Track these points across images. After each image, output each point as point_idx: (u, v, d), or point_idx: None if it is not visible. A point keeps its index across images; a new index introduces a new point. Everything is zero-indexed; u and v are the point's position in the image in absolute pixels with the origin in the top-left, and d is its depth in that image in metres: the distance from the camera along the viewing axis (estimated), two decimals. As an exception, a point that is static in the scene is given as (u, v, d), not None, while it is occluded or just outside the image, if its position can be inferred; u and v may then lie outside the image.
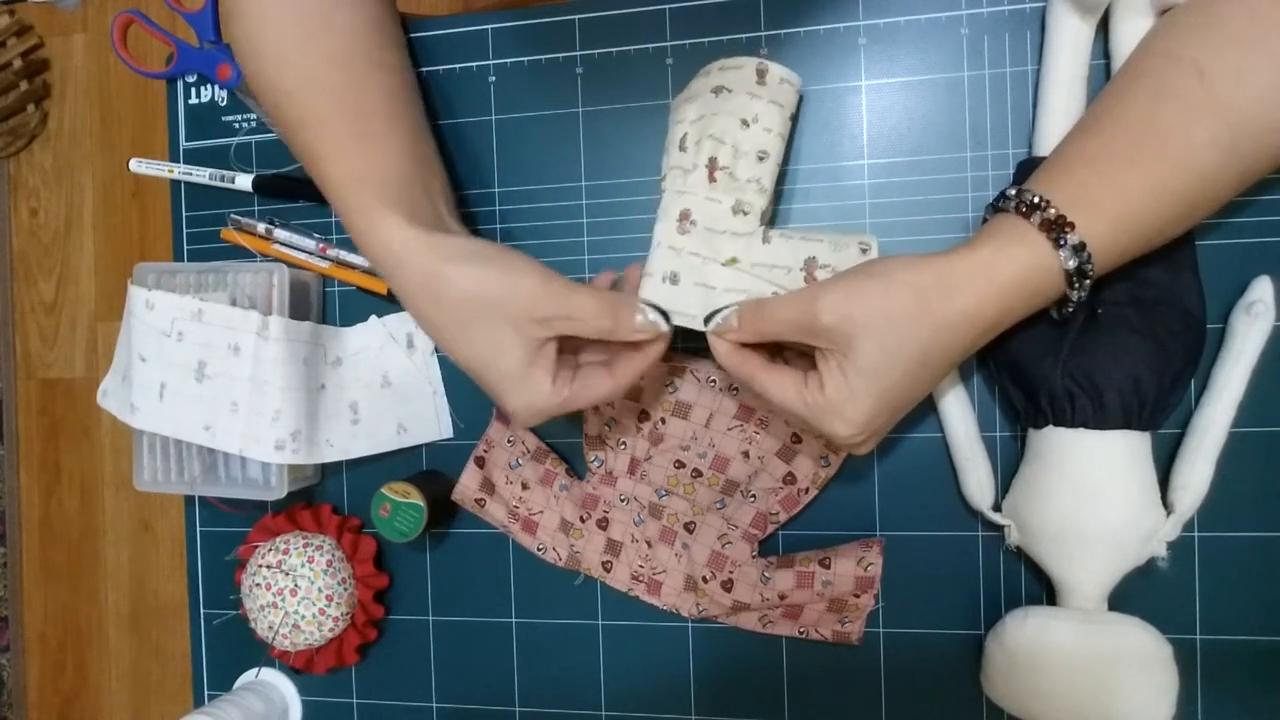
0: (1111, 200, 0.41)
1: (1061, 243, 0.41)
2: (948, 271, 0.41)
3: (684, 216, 0.49)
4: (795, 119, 0.52)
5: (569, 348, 0.49)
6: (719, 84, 0.50)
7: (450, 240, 0.46)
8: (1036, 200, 0.41)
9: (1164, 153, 0.41)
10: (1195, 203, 0.42)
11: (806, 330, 0.43)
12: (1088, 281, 0.42)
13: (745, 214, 0.49)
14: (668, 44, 0.57)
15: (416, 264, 0.45)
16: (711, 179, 0.49)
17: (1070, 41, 0.49)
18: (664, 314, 0.47)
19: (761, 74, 0.50)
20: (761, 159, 0.49)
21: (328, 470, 0.63)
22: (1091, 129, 0.44)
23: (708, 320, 0.47)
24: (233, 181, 0.62)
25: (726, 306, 0.46)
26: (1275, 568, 0.50)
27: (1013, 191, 0.43)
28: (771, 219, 0.54)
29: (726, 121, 0.49)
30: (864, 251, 0.48)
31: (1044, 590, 0.53)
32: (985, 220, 0.46)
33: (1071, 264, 0.41)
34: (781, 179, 0.55)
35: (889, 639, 0.55)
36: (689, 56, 0.56)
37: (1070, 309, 0.44)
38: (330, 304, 0.62)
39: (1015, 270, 0.41)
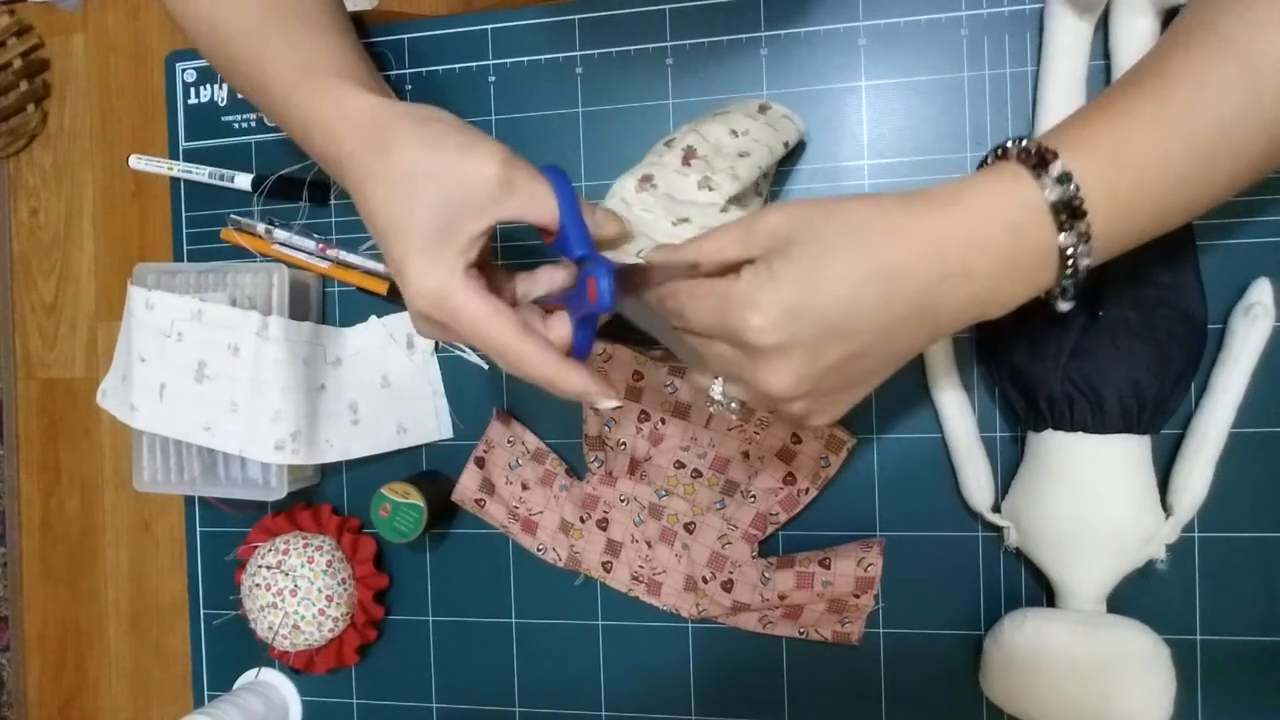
0: (1109, 137, 0.36)
1: (1042, 172, 0.35)
2: (916, 193, 0.37)
3: (647, 179, 0.47)
4: (788, 148, 0.50)
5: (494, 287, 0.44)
6: (720, 110, 0.51)
7: (418, 107, 0.42)
8: (1016, 140, 0.37)
9: (1171, 93, 0.36)
10: (1214, 155, 0.36)
11: (745, 238, 0.37)
12: (1081, 225, 0.36)
13: (710, 190, 0.46)
14: (668, 44, 0.56)
15: (366, 117, 0.41)
16: (686, 163, 0.48)
17: (1069, 42, 0.49)
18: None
19: (764, 108, 0.51)
20: (742, 156, 0.48)
21: (327, 470, 0.63)
22: (1095, 100, 0.40)
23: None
24: (232, 181, 0.62)
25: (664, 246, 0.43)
26: (1275, 568, 0.50)
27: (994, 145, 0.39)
28: None
29: (716, 128, 0.49)
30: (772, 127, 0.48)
31: (1043, 591, 0.53)
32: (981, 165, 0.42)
33: (1053, 195, 0.35)
34: (777, 180, 0.55)
35: (889, 639, 0.55)
36: (689, 56, 0.56)
37: (1070, 280, 0.37)
38: (330, 304, 0.62)
39: (990, 197, 0.36)
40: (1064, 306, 0.38)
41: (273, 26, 0.46)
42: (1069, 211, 0.35)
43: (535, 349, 0.40)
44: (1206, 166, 0.37)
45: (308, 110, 0.44)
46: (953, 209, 0.36)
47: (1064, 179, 0.35)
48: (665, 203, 0.47)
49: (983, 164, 0.40)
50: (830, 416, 0.40)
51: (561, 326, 0.43)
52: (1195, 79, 0.36)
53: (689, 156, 0.47)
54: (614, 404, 0.42)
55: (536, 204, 0.41)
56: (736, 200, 0.48)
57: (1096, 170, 0.36)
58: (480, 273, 0.41)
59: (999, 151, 0.38)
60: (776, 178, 0.55)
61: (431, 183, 0.39)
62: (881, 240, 0.35)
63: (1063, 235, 0.36)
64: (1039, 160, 0.36)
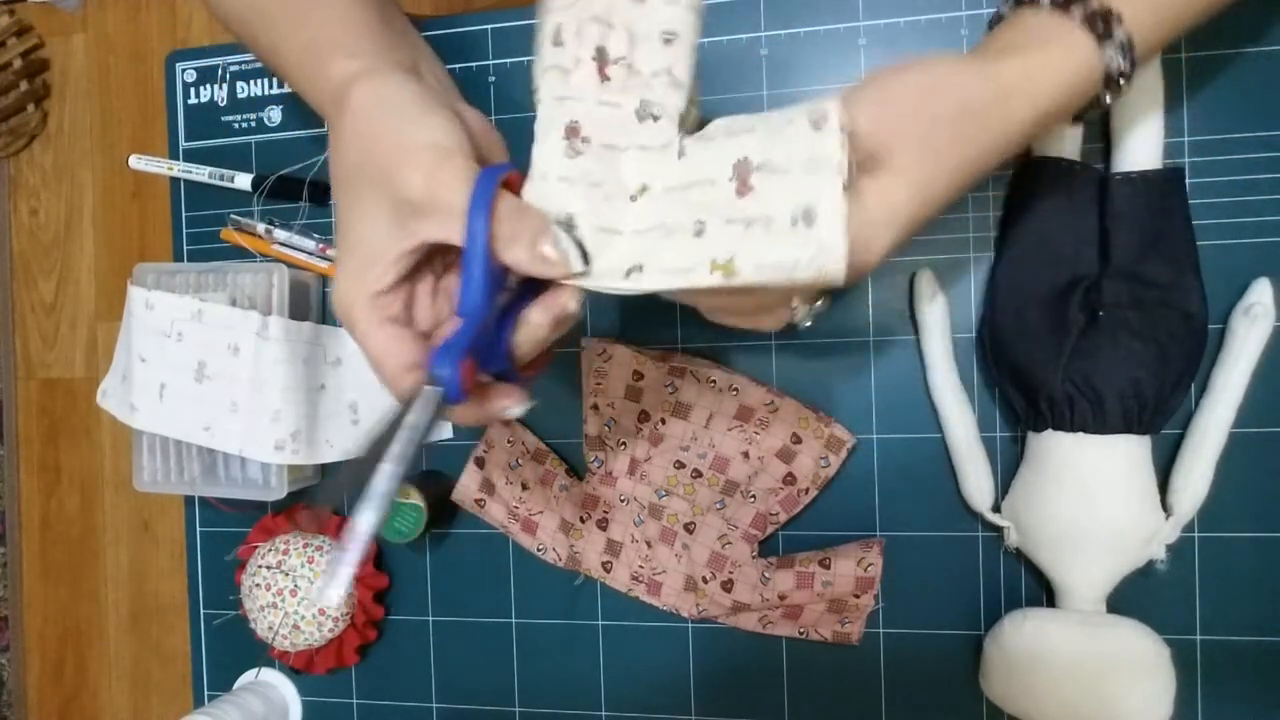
0: None
1: (1108, 38, 0.35)
2: (996, 78, 0.36)
3: (572, 132, 0.36)
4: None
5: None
6: None
7: (382, 74, 0.39)
8: None
9: None
10: None
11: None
12: (1123, 85, 0.37)
13: (655, 119, 0.36)
14: (668, 44, 0.56)
15: (336, 94, 0.38)
16: (603, 76, 0.36)
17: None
18: (583, 252, 0.36)
19: None
20: (669, 41, 0.36)
21: (327, 470, 0.63)
22: None
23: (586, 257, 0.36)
24: (232, 181, 0.62)
25: (569, 226, 0.35)
26: (1275, 568, 0.50)
27: None
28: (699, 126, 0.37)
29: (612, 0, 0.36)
30: (816, 126, 0.33)
31: (1043, 591, 0.53)
32: (1001, 16, 0.41)
33: (1116, 64, 0.36)
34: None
35: (889, 639, 0.55)
36: (689, 57, 0.56)
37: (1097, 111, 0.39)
38: (330, 304, 0.62)
39: (1059, 83, 0.36)
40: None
41: (279, 8, 0.44)
42: (1121, 77, 0.37)
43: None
44: None
45: (310, 92, 0.43)
46: (1029, 112, 0.36)
47: (1126, 46, 0.36)
48: (606, 161, 0.36)
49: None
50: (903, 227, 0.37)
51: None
52: None
53: (603, 64, 0.36)
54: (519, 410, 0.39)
55: (455, 229, 0.35)
56: (683, 121, 0.36)
57: (1144, 16, 0.36)
58: (410, 279, 0.38)
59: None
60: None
61: (362, 192, 0.37)
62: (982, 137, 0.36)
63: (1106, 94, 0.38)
64: (1103, 21, 0.35)
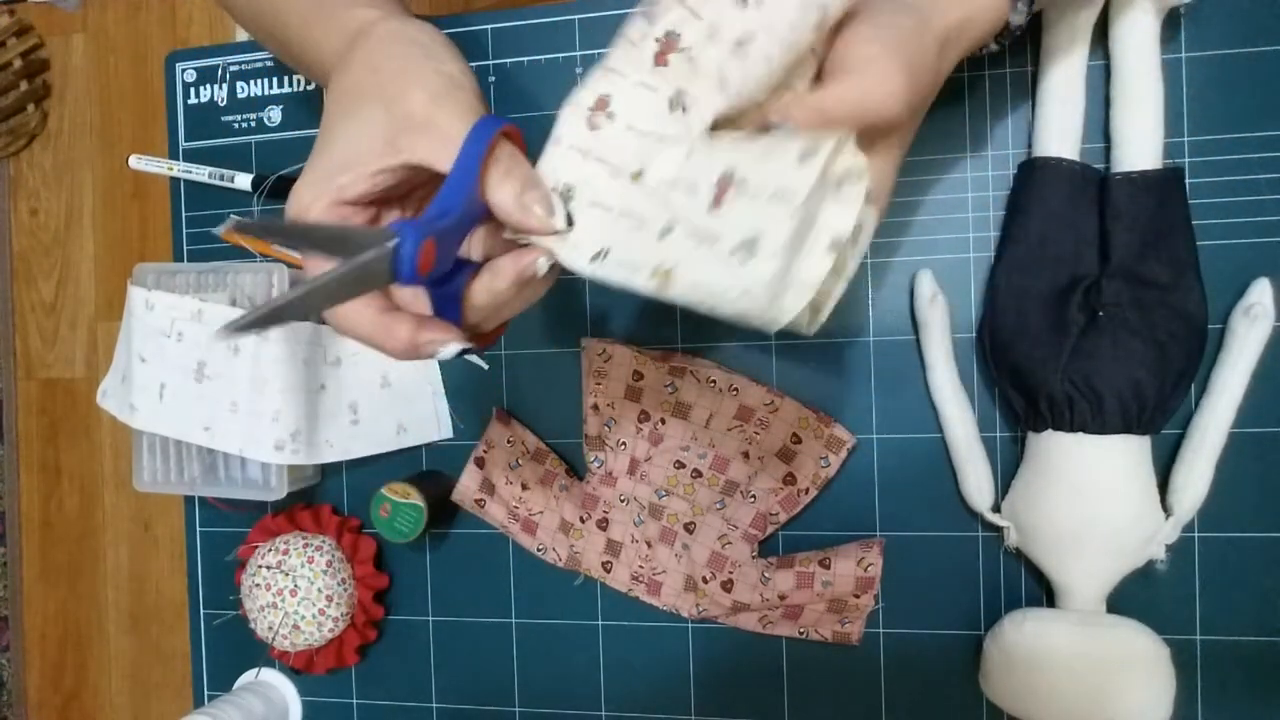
0: None
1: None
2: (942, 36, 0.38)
3: (600, 105, 0.36)
4: (823, 30, 0.36)
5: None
6: None
7: (400, 16, 0.40)
8: None
9: None
10: None
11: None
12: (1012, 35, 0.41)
13: (684, 111, 0.35)
14: (668, 44, 0.56)
15: (351, 32, 0.39)
16: (660, 60, 0.35)
17: (1068, 42, 0.49)
18: (570, 222, 0.36)
19: None
20: (740, 46, 0.34)
21: (328, 470, 0.63)
22: None
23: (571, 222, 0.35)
24: (232, 181, 0.62)
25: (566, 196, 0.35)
26: (1275, 568, 0.50)
27: None
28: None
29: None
30: (803, 158, 0.32)
31: (1043, 591, 0.53)
32: None
33: (1018, 20, 0.41)
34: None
35: (889, 639, 0.55)
36: (689, 57, 0.56)
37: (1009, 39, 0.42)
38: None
39: (977, 36, 0.40)
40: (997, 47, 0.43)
41: None
42: None
43: (358, 312, 0.36)
44: None
45: (314, 40, 0.42)
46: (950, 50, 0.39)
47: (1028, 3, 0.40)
48: (623, 141, 0.35)
49: None
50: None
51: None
52: None
53: (667, 48, 0.35)
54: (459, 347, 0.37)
55: (443, 155, 0.35)
56: (728, 121, 0.35)
57: None
58: (379, 204, 0.38)
59: None
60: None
61: (360, 106, 0.37)
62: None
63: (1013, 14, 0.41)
64: None
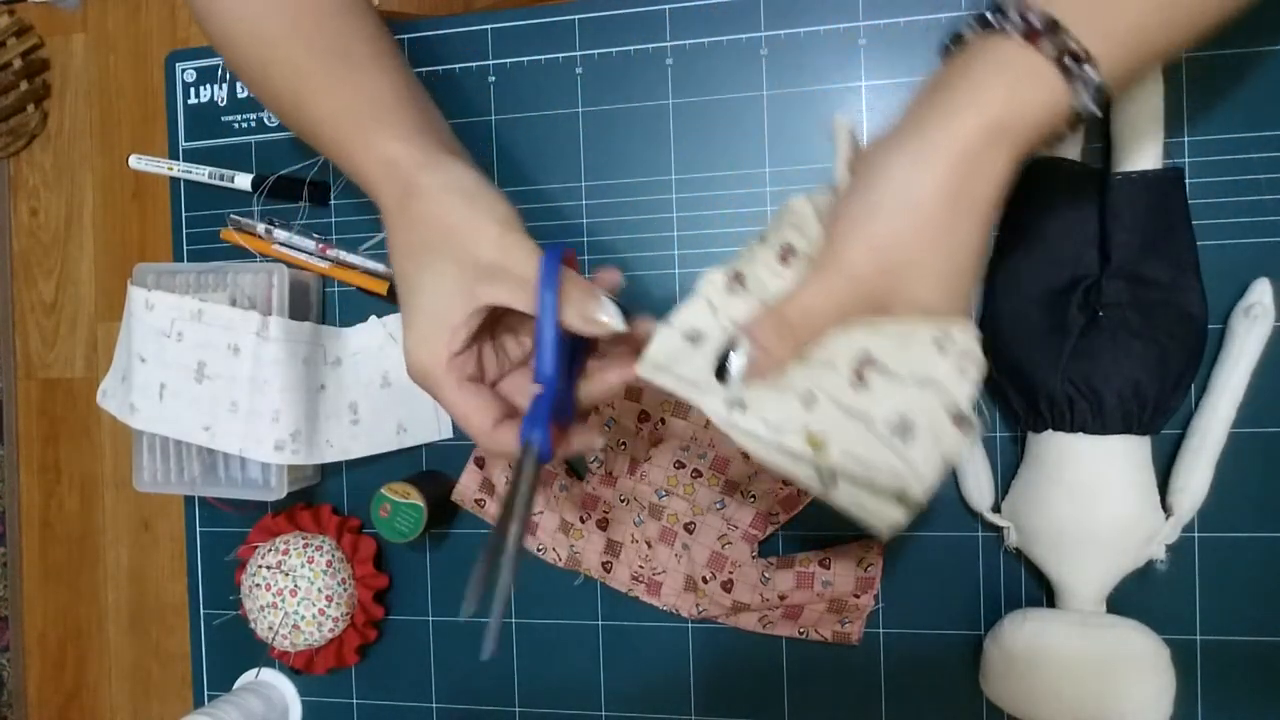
0: (1122, 13, 0.33)
1: (1079, 81, 0.32)
2: (961, 157, 0.34)
3: (738, 278, 0.40)
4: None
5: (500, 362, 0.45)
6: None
7: (443, 162, 0.43)
8: (1048, 20, 0.32)
9: None
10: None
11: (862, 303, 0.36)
12: (1082, 126, 0.35)
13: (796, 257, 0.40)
14: (668, 44, 0.57)
15: (401, 177, 0.42)
16: (783, 260, 0.40)
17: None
18: (626, 314, 0.41)
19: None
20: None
21: (328, 470, 0.63)
22: None
23: (720, 374, 0.37)
24: (232, 181, 0.62)
25: (730, 349, 0.37)
26: (1275, 568, 0.50)
27: (1011, 4, 0.34)
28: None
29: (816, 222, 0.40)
30: (940, 347, 0.36)
31: (1043, 591, 0.53)
32: (958, 42, 0.37)
33: (1086, 107, 0.33)
34: (774, 180, 0.55)
35: (889, 639, 0.55)
36: (689, 56, 0.56)
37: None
38: (330, 304, 0.62)
39: (1030, 124, 0.34)
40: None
41: (315, 66, 0.46)
42: (1083, 118, 0.34)
43: (501, 440, 0.41)
44: (1198, 13, 0.35)
45: (353, 159, 0.45)
46: (1004, 168, 0.35)
47: (1099, 90, 0.33)
48: (752, 311, 0.39)
49: (981, 22, 0.36)
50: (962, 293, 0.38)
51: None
52: None
53: (786, 254, 0.40)
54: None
55: (520, 296, 0.40)
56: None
57: (1116, 57, 0.33)
58: (475, 339, 0.42)
59: (1016, 25, 0.33)
60: (771, 178, 0.56)
61: (432, 260, 0.41)
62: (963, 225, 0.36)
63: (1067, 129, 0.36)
64: (1075, 62, 0.32)
